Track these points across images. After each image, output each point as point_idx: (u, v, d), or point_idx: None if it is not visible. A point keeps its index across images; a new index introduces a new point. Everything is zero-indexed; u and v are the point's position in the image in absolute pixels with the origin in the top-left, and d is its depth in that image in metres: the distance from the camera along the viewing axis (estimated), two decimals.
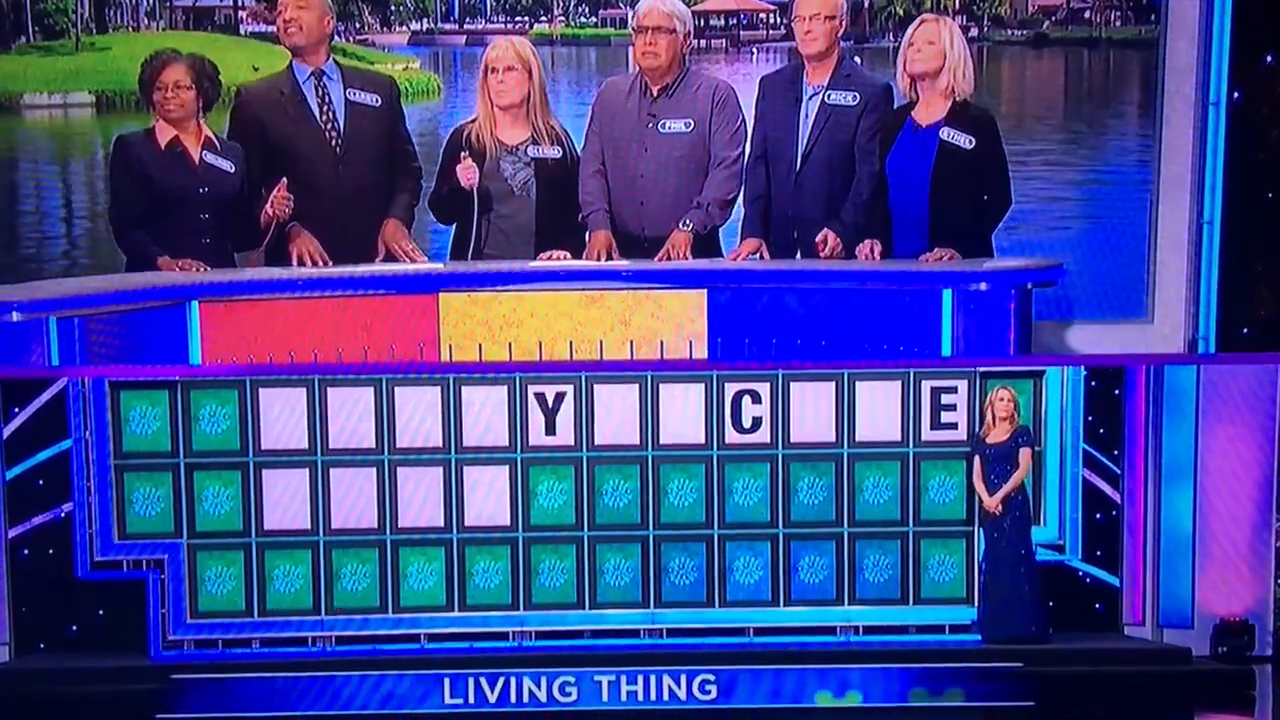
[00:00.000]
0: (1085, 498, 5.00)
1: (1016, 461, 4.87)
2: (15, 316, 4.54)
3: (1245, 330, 5.35)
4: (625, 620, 4.97)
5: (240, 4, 6.33)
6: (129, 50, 5.74)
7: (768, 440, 4.96)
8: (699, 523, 4.98)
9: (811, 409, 4.95)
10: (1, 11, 6.02)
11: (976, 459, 4.91)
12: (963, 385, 4.96)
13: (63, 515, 4.87)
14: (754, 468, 4.97)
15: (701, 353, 4.97)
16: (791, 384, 4.95)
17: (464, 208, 5.26)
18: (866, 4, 6.22)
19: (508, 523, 4.95)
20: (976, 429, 4.93)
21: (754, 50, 6.50)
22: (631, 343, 4.98)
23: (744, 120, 5.31)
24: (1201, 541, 4.95)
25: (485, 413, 4.91)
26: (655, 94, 5.30)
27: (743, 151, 5.30)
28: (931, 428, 4.98)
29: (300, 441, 4.91)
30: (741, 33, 6.54)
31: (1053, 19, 6.20)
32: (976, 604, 4.97)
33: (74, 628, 4.89)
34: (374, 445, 4.92)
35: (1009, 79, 6.18)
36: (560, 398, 4.93)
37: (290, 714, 4.71)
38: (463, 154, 5.23)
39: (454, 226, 5.35)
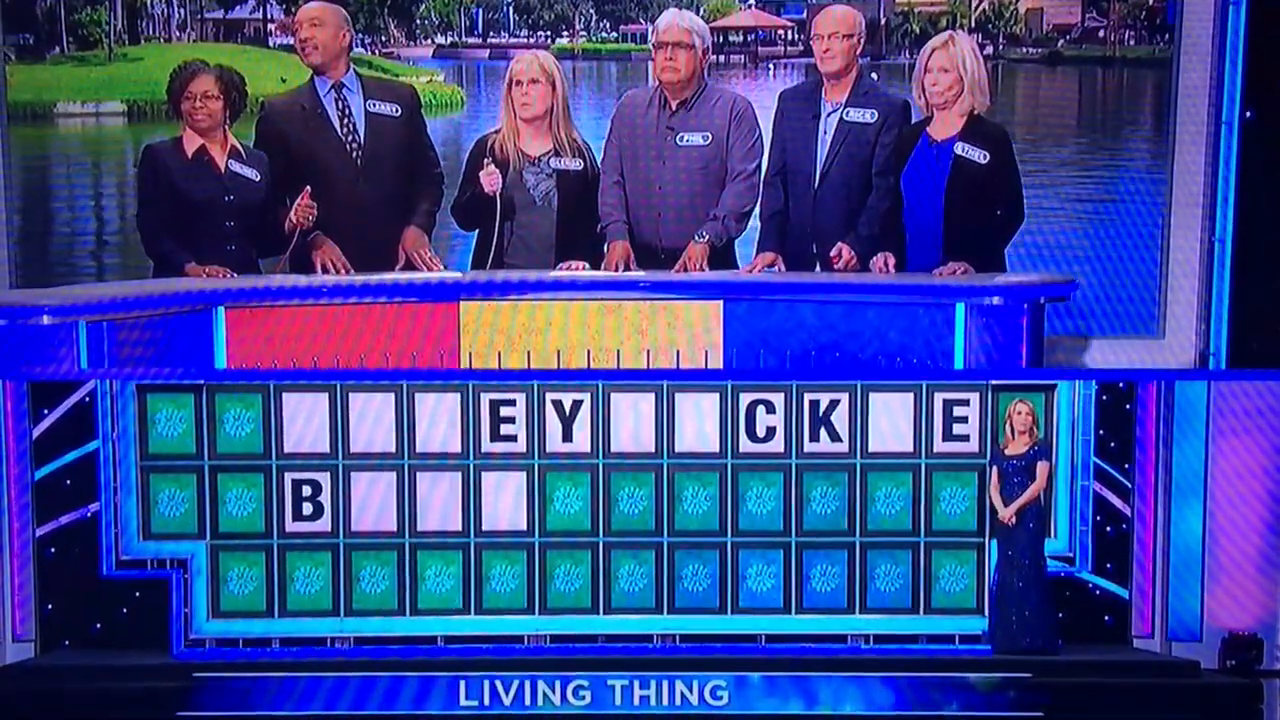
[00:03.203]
0: (1096, 511, 5.03)
1: (1034, 474, 4.91)
2: (46, 320, 4.61)
3: (1256, 346, 5.38)
4: (639, 625, 5.02)
5: (269, 17, 6.45)
6: (160, 61, 5.85)
7: (781, 450, 5.01)
8: (713, 530, 5.02)
9: (825, 419, 5.01)
10: (37, 23, 6.14)
11: (994, 470, 4.95)
12: (975, 398, 5.00)
13: (89, 515, 4.94)
14: (768, 477, 5.02)
15: (717, 363, 5.02)
16: (805, 394, 5.00)
17: (486, 215, 5.33)
18: (883, 22, 6.29)
19: (524, 528, 5.02)
20: (991, 441, 4.97)
21: (771, 66, 6.58)
22: (648, 352, 5.04)
23: (761, 134, 5.36)
24: (1211, 555, 4.97)
25: (503, 419, 4.98)
26: (674, 108, 5.36)
27: (759, 165, 5.35)
28: (944, 439, 5.02)
29: (322, 445, 4.99)
30: (760, 49, 6.63)
31: (1067, 37, 6.25)
32: (987, 614, 5.01)
33: (98, 625, 4.95)
34: (394, 450, 4.99)
35: (1024, 96, 6.24)
36: (577, 405, 4.99)
37: (308, 713, 4.75)
38: (486, 161, 5.30)
39: (476, 235, 5.43)
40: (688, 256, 5.24)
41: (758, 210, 5.38)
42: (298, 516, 4.99)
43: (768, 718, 4.80)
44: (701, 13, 6.56)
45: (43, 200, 6.07)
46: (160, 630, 4.95)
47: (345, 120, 5.40)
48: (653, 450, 5.00)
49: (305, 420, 4.97)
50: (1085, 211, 5.86)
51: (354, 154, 5.40)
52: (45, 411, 4.91)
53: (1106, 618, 5.05)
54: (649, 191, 5.36)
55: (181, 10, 6.46)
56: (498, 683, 4.82)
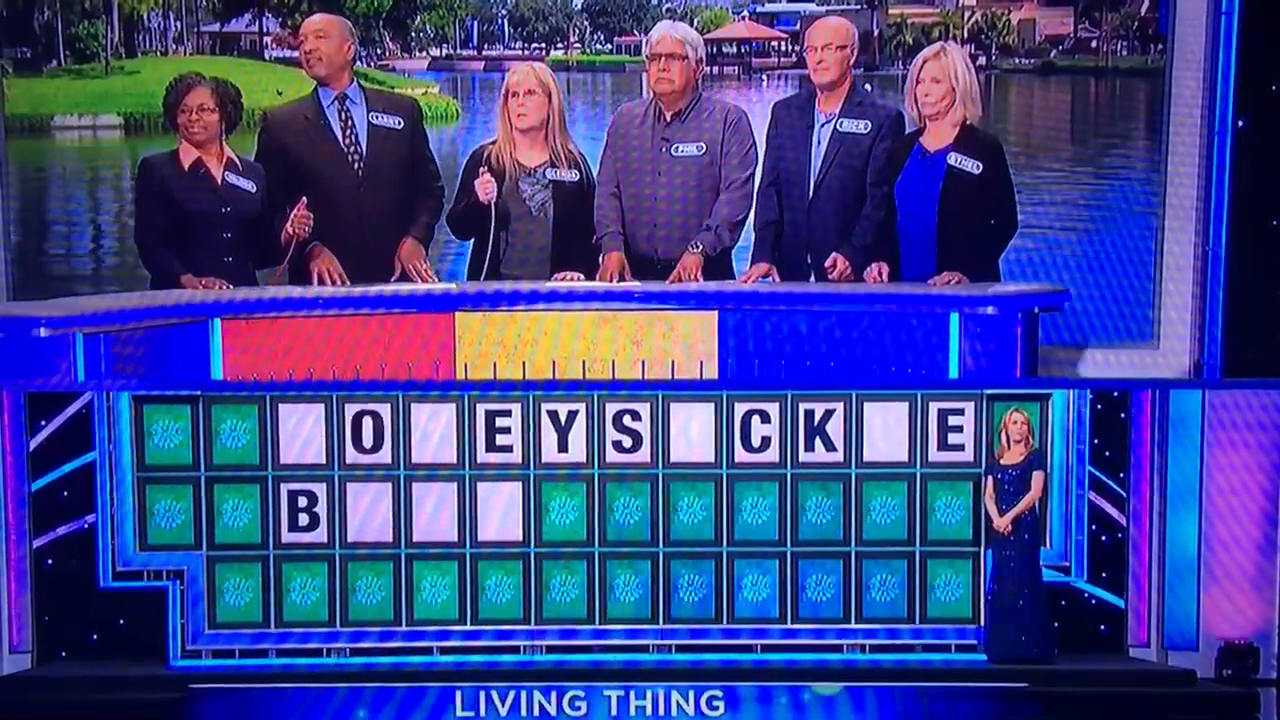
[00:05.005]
0: (1091, 520, 5.04)
1: (1029, 484, 4.92)
2: (43, 332, 4.62)
3: (1250, 355, 5.37)
4: (634, 635, 5.03)
5: (265, 30, 6.48)
6: (157, 74, 5.87)
7: (776, 460, 5.03)
8: (708, 540, 5.04)
9: (820, 429, 5.02)
10: (34, 36, 6.18)
11: (989, 480, 4.96)
12: (970, 408, 5.01)
13: (86, 526, 4.96)
14: (763, 486, 5.03)
15: (712, 373, 5.02)
16: (800, 404, 5.02)
17: (480, 224, 5.34)
18: (876, 32, 6.31)
19: (520, 538, 5.03)
20: (986, 451, 4.98)
21: (765, 77, 6.61)
22: (643, 362, 5.04)
23: (755, 143, 5.37)
24: (1206, 564, 4.97)
25: (498, 430, 4.99)
26: (669, 119, 5.37)
27: (752, 173, 5.36)
28: (939, 449, 5.04)
29: (318, 457, 5.00)
30: (754, 60, 6.65)
31: (1060, 48, 6.27)
32: (983, 624, 5.01)
33: (95, 636, 4.97)
34: (390, 461, 5.00)
35: (1017, 107, 6.26)
36: (573, 416, 5.01)
37: None
38: (481, 170, 5.32)
39: (472, 245, 5.44)
40: (682, 267, 5.24)
41: (752, 221, 5.38)
42: (294, 528, 5.01)
43: None
44: (696, 24, 6.59)
45: (40, 213, 6.10)
46: (157, 641, 4.97)
47: (348, 131, 5.41)
48: (648, 460, 5.02)
49: (301, 431, 4.99)
50: (1079, 221, 5.87)
51: (355, 165, 5.42)
52: (42, 423, 4.94)
53: (1102, 627, 5.06)
54: (644, 203, 5.37)
55: (178, 23, 6.49)
56: (494, 693, 4.84)
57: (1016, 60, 6.23)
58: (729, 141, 5.33)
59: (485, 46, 6.73)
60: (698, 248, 5.26)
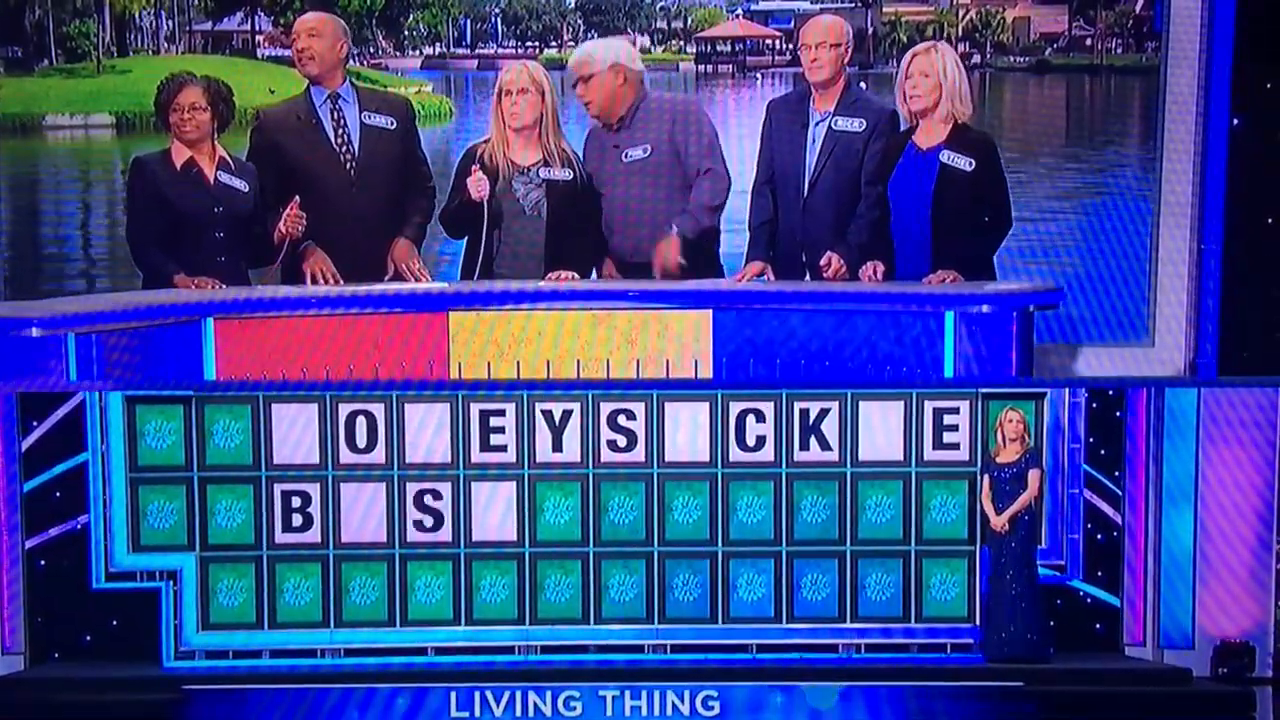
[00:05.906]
0: (1086, 518, 5.05)
1: (1025, 482, 4.92)
2: (35, 332, 4.61)
3: (1245, 354, 5.37)
4: (629, 636, 5.03)
5: (257, 29, 6.46)
6: (149, 73, 5.84)
7: (771, 459, 5.02)
8: (703, 540, 5.03)
9: (815, 428, 5.01)
10: (25, 34, 6.16)
11: (986, 479, 4.96)
12: (965, 406, 5.01)
13: (79, 527, 4.95)
14: (758, 486, 5.03)
15: (706, 372, 5.02)
16: (795, 403, 5.01)
17: (473, 222, 5.33)
18: (871, 31, 6.30)
19: (514, 538, 5.02)
20: (982, 449, 4.98)
21: (759, 75, 6.59)
22: (638, 362, 5.04)
23: (714, 131, 5.33)
24: (1202, 563, 4.98)
25: (492, 429, 4.99)
26: (615, 127, 5.38)
27: (720, 157, 5.33)
28: (934, 448, 5.04)
29: (311, 457, 4.99)
30: (748, 58, 6.64)
31: (1054, 46, 6.27)
32: (979, 623, 5.01)
33: (88, 637, 4.96)
34: (384, 461, 4.99)
35: (1011, 105, 6.25)
36: (567, 415, 5.00)
37: None
38: (474, 168, 5.31)
39: (465, 244, 5.43)
40: (659, 254, 5.23)
41: (747, 219, 5.37)
42: (287, 528, 5.01)
43: None
44: (689, 22, 6.59)
45: (31, 212, 6.08)
46: (150, 642, 4.96)
47: (340, 131, 5.40)
48: (643, 460, 5.01)
49: (295, 431, 4.98)
50: (1074, 219, 5.86)
51: (348, 165, 5.41)
52: (34, 423, 4.92)
53: (1098, 625, 5.06)
54: (612, 210, 5.39)
55: (170, 22, 6.47)
56: (489, 693, 4.84)
57: (1011, 58, 6.22)
58: (680, 135, 5.32)
59: (478, 45, 6.71)
60: (673, 230, 5.24)
